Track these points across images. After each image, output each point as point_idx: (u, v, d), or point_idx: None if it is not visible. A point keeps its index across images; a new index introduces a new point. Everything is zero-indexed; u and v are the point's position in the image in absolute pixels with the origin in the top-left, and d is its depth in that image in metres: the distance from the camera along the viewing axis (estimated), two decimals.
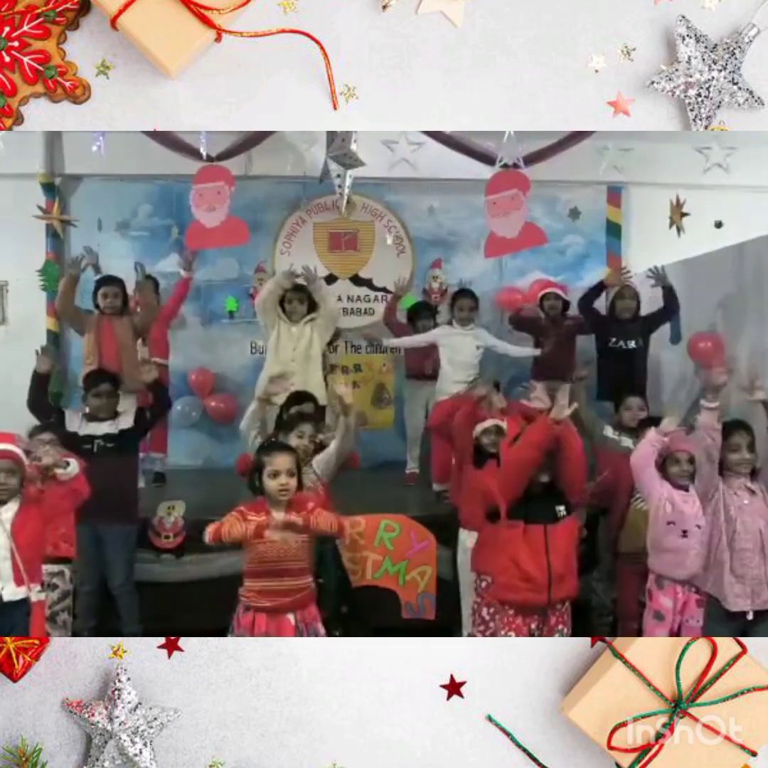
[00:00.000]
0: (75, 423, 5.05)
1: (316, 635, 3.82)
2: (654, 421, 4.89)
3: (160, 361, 6.65)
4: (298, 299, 6.05)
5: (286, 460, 3.88)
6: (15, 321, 7.36)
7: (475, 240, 7.38)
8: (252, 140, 6.08)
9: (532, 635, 3.84)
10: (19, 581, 3.55)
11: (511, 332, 7.16)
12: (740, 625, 3.75)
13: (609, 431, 5.19)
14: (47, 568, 4.11)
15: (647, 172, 7.08)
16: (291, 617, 3.78)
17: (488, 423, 4.79)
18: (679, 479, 4.11)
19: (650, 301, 6.46)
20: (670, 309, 6.27)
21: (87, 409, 5.13)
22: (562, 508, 3.95)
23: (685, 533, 4.01)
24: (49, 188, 7.29)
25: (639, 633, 4.22)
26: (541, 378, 6.74)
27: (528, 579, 3.84)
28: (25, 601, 3.57)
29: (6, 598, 3.52)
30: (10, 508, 3.60)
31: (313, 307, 6.05)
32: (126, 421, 5.07)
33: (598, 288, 6.48)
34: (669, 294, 6.24)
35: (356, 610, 4.78)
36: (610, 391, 5.97)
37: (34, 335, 7.21)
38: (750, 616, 3.75)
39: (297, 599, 3.81)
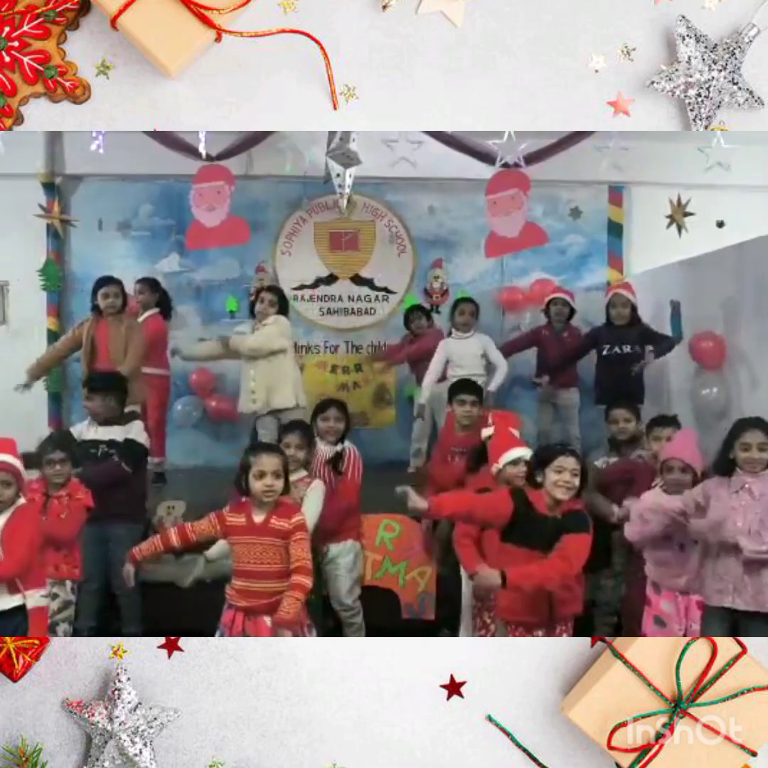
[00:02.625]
0: (83, 431, 5.06)
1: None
2: (662, 420, 4.84)
3: (160, 372, 6.65)
4: (270, 302, 6.05)
5: (273, 462, 3.86)
6: (16, 321, 7.36)
7: (475, 240, 7.37)
8: (252, 140, 6.08)
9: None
10: (13, 589, 3.55)
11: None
12: (732, 620, 3.73)
13: (600, 462, 5.06)
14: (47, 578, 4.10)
15: (649, 171, 7.07)
16: (267, 619, 3.76)
17: (516, 453, 4.43)
18: (673, 487, 4.09)
19: (653, 305, 6.48)
20: (670, 342, 6.32)
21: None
22: None
23: (682, 547, 3.99)
24: (49, 188, 7.30)
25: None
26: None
27: (529, 603, 3.75)
28: (20, 609, 3.57)
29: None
30: (1, 518, 3.59)
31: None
32: (137, 434, 5.09)
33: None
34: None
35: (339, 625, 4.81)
36: (607, 397, 6.00)
37: (34, 335, 7.23)
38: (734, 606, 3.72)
39: (273, 602, 3.77)
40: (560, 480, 3.77)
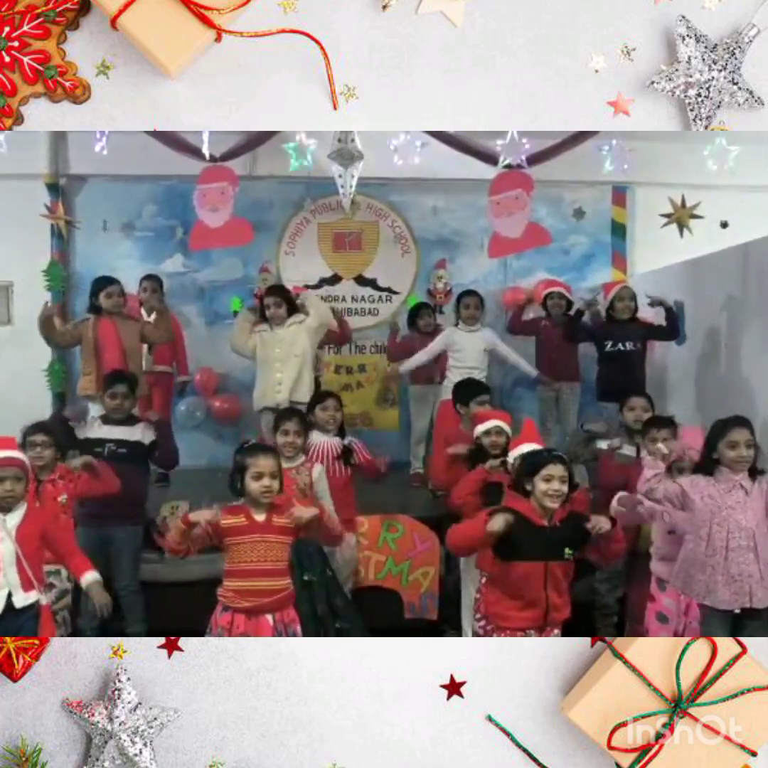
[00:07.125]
0: (88, 428, 5.09)
1: (295, 637, 3.81)
2: (658, 421, 4.85)
3: (164, 368, 6.66)
4: (276, 304, 5.87)
5: (270, 463, 3.88)
6: (20, 321, 7.36)
7: (479, 240, 7.38)
8: (255, 140, 6.08)
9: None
10: (27, 586, 3.57)
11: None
12: (731, 621, 3.73)
13: (602, 444, 5.10)
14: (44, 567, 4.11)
15: (652, 172, 7.06)
16: (269, 618, 3.77)
17: (490, 424, 4.75)
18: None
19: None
20: (672, 330, 6.27)
21: (98, 412, 5.17)
22: (570, 552, 3.77)
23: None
24: (53, 189, 7.31)
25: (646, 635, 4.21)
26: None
27: (525, 609, 3.75)
28: (33, 605, 3.58)
29: (18, 604, 3.53)
30: (16, 515, 3.61)
31: (293, 309, 5.91)
32: (143, 435, 5.11)
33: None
34: (670, 315, 6.24)
35: (352, 601, 4.79)
36: (610, 393, 5.98)
37: (38, 335, 7.23)
38: (737, 610, 3.73)
39: (276, 600, 3.79)
40: (550, 489, 3.71)
